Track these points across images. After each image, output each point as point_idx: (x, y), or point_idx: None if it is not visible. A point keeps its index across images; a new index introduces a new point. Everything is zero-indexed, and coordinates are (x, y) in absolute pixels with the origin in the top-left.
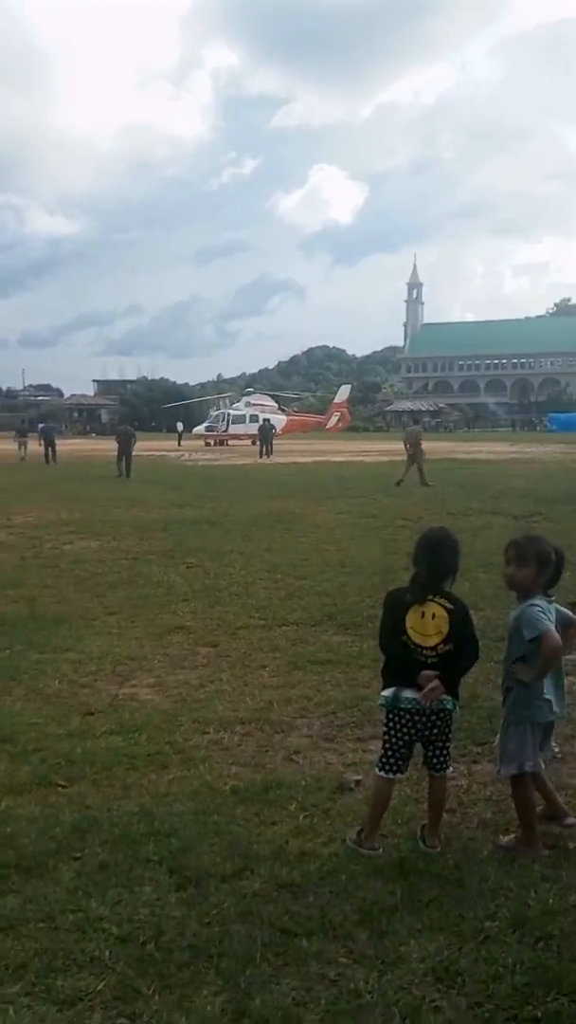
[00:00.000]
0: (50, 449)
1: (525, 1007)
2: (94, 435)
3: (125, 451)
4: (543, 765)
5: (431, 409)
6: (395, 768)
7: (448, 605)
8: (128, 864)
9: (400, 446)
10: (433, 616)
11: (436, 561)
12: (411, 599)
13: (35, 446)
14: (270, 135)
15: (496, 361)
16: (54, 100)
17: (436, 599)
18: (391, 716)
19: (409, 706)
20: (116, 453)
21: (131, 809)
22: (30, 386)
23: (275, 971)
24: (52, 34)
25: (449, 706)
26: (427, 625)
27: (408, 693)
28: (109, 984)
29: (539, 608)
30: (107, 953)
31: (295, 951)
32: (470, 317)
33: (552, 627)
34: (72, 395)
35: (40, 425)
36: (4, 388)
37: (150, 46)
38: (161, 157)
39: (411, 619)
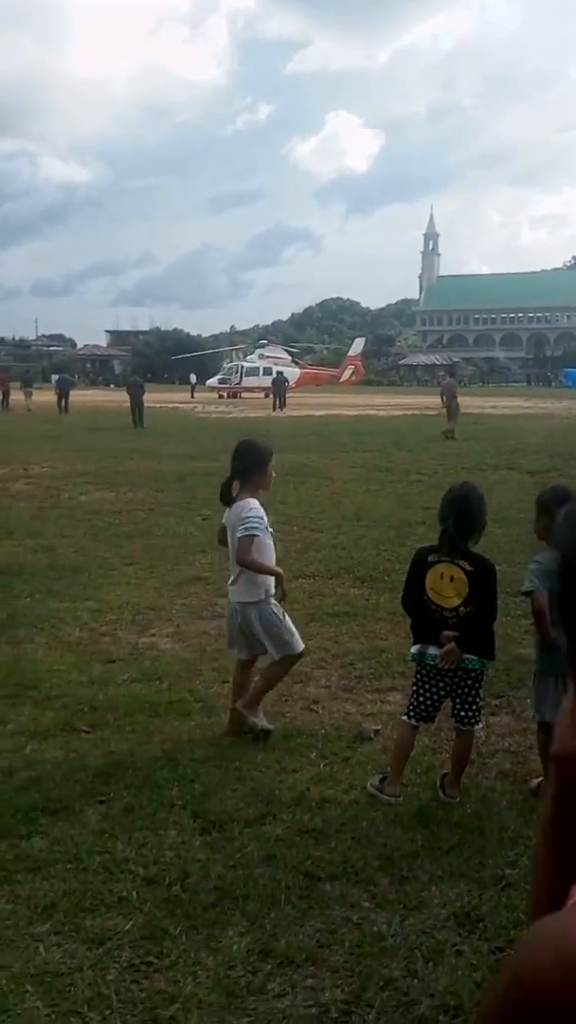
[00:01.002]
0: (64, 400)
1: None
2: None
3: (137, 402)
4: None
5: (445, 363)
6: (420, 716)
7: (468, 567)
8: (153, 808)
9: (422, 400)
10: (452, 579)
11: (463, 517)
12: (434, 559)
13: (41, 397)
14: (286, 80)
15: (512, 315)
16: (67, 44)
17: (458, 561)
18: (419, 670)
19: (434, 662)
20: (129, 404)
21: (155, 754)
22: (43, 336)
23: (299, 913)
24: None
25: (473, 665)
26: (446, 587)
27: (433, 650)
28: (137, 924)
29: (536, 564)
30: (134, 894)
31: (318, 894)
32: (486, 269)
33: (541, 587)
34: (85, 345)
35: (55, 377)
36: (17, 338)
37: None
38: (175, 103)
39: (431, 580)
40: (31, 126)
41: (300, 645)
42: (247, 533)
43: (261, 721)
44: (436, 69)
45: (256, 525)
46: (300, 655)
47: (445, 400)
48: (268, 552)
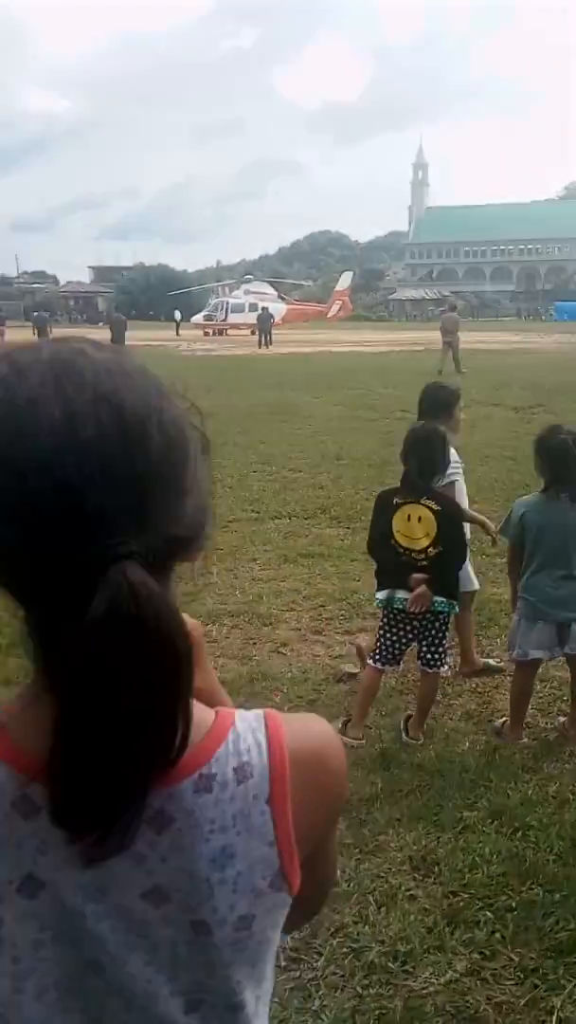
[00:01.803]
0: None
1: (500, 896)
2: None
3: (119, 339)
4: (544, 657)
5: (435, 297)
6: (386, 660)
7: (435, 507)
8: None
9: (411, 335)
10: (420, 519)
11: (425, 458)
12: (399, 500)
13: (20, 336)
14: (272, 3)
15: (502, 247)
16: None
17: (423, 501)
18: (386, 615)
19: (402, 606)
20: (110, 342)
21: None
22: (25, 273)
23: None
24: None
25: (442, 608)
26: (414, 528)
27: (401, 594)
28: None
29: (515, 505)
30: None
31: None
32: (477, 201)
33: (509, 529)
34: (68, 282)
35: (34, 314)
36: None
37: None
38: (157, 29)
39: (398, 522)
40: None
41: (476, 583)
42: (448, 480)
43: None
44: None
45: (456, 470)
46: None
47: (445, 335)
48: (464, 498)
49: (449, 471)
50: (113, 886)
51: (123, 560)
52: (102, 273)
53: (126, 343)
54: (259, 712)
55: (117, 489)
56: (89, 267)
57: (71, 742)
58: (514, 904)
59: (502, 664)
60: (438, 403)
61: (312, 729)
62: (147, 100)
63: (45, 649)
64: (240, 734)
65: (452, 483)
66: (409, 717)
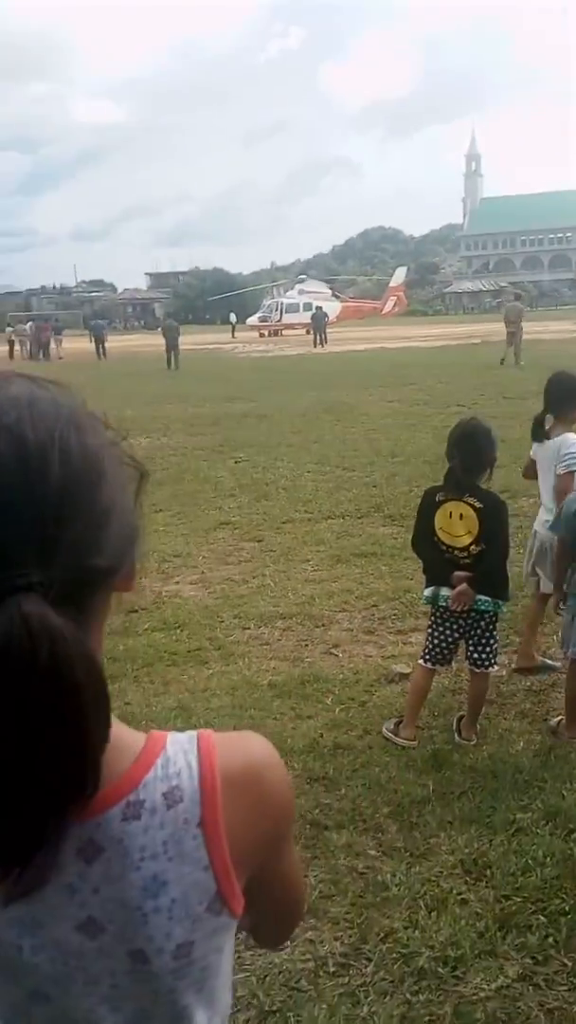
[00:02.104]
0: (100, 346)
1: (553, 900)
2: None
3: (172, 345)
4: None
5: (492, 289)
6: (436, 659)
7: (477, 504)
8: None
9: (467, 328)
10: (461, 516)
11: (469, 454)
12: (442, 498)
13: (80, 344)
14: (318, 3)
15: (561, 235)
16: None
17: (466, 498)
18: (434, 612)
19: (447, 603)
20: (164, 347)
21: (169, 704)
22: (83, 282)
23: (303, 864)
24: None
25: (486, 607)
26: (455, 525)
27: (446, 591)
28: None
29: (567, 501)
30: None
31: (324, 843)
32: (532, 190)
33: (561, 525)
34: (125, 289)
35: (91, 322)
36: (58, 285)
37: None
38: (205, 34)
39: (440, 519)
40: (61, 66)
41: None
42: (568, 470)
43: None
44: None
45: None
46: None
47: (509, 325)
48: None
49: (570, 460)
50: (47, 919)
51: (20, 592)
52: (158, 279)
53: (179, 348)
54: (192, 733)
55: (17, 520)
56: (146, 273)
57: None
58: (568, 908)
59: (559, 663)
60: (567, 392)
61: (248, 747)
62: (198, 105)
63: None
64: (170, 757)
65: (571, 472)
66: (461, 717)
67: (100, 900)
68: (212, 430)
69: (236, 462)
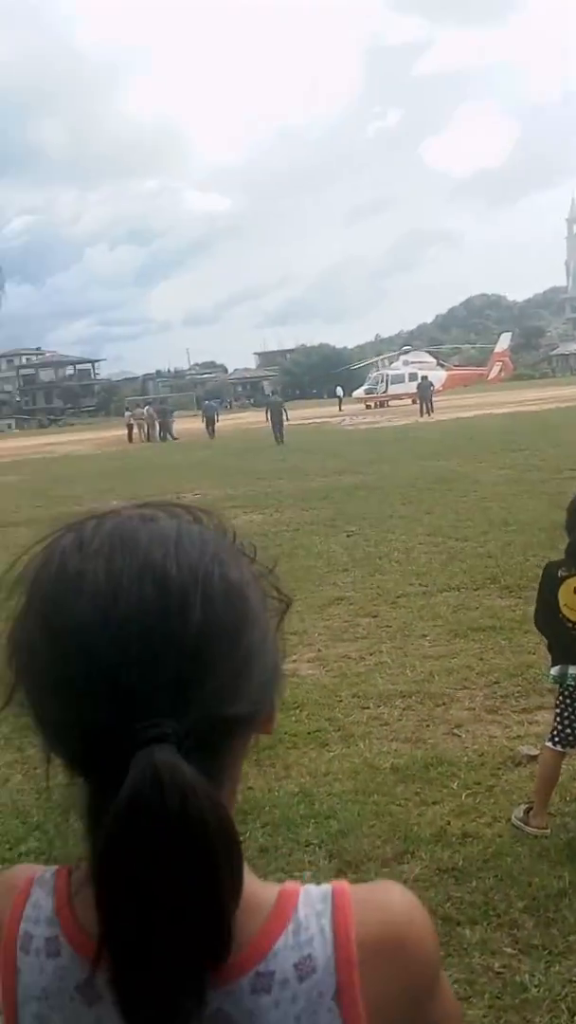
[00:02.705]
0: (211, 426)
1: None
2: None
3: (277, 420)
4: None
5: None
6: (566, 741)
7: None
8: (288, 848)
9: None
10: None
11: None
12: (564, 573)
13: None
14: (413, 82)
15: None
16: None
17: None
18: (561, 692)
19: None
20: (270, 424)
21: (292, 790)
22: (195, 364)
23: None
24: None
25: None
26: None
27: (574, 670)
28: None
29: None
30: None
31: (458, 940)
32: None
33: None
34: (235, 370)
35: (204, 403)
36: (173, 369)
37: None
38: (305, 122)
39: (564, 596)
40: (171, 161)
41: None
42: None
43: None
44: (567, 46)
45: None
46: None
47: None
48: None
49: None
50: None
51: (153, 744)
52: (267, 358)
53: (285, 423)
54: (327, 890)
55: (154, 666)
56: (254, 353)
57: (113, 933)
58: None
59: None
60: None
61: (387, 904)
62: (301, 190)
63: (92, 823)
64: (302, 922)
65: None
66: None
67: None
68: (323, 504)
69: (348, 536)
